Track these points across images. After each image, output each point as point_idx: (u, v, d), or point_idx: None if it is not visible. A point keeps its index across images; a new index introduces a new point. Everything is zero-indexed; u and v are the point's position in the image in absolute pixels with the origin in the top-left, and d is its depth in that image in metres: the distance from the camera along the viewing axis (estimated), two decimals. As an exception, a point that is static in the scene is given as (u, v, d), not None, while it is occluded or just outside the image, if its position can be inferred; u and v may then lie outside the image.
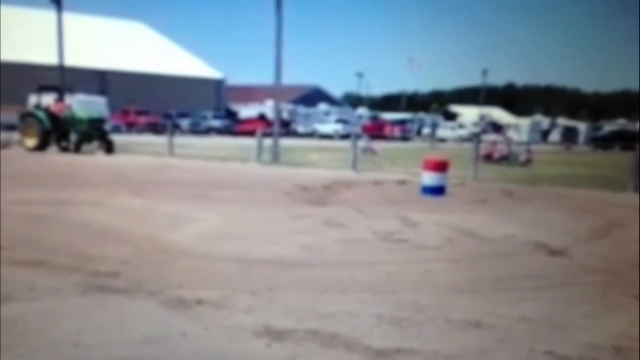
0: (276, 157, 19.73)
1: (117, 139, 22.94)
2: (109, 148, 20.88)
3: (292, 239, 7.16)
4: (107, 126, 24.75)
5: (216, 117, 51.38)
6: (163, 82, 55.54)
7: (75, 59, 48.45)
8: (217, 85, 62.16)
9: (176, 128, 37.71)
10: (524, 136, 48.62)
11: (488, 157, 21.98)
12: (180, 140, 24.93)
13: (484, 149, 22.11)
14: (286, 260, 6.17)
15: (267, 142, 20.11)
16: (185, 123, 47.47)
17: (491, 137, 35.13)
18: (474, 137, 21.14)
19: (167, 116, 46.04)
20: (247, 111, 53.54)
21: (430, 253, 6.71)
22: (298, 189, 12.09)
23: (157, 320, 4.31)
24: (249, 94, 65.03)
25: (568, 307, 4.91)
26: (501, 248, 7.08)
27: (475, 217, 9.26)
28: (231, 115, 55.36)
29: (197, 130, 47.03)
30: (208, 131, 47.71)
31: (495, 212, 9.90)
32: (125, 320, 4.28)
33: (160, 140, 25.02)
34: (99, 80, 51.13)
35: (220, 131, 47.95)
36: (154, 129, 43.01)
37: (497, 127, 53.47)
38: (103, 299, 4.68)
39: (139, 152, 21.72)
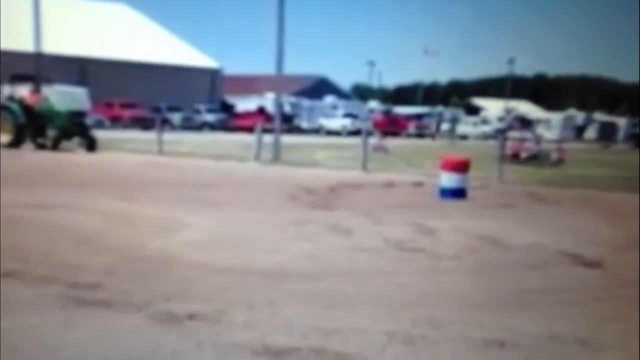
0: (277, 155, 19.79)
1: (99, 135, 23.02)
2: (90, 145, 20.95)
3: (294, 247, 7.19)
4: (89, 121, 24.82)
5: (210, 110, 51.59)
6: (151, 71, 55.66)
7: (53, 45, 48.66)
8: (212, 76, 62.26)
9: (166, 123, 37.80)
10: (555, 133, 48.58)
11: (515, 157, 21.97)
12: (170, 136, 25.02)
13: (510, 147, 22.08)
14: (287, 270, 6.20)
15: (267, 138, 20.17)
16: (176, 117, 47.63)
17: (518, 134, 35.06)
18: (499, 134, 21.13)
19: (156, 110, 46.12)
20: (245, 104, 53.68)
21: (448, 263, 6.72)
22: (301, 191, 12.12)
23: (144, 337, 4.34)
24: (247, 85, 65.05)
25: (603, 325, 4.92)
26: (528, 258, 7.09)
27: (499, 223, 9.27)
28: (227, 108, 55.50)
29: (189, 125, 47.20)
30: (201, 127, 47.88)
31: (522, 218, 9.91)
32: (108, 337, 4.32)
33: (148, 136, 25.12)
34: (79, 69, 51.24)
35: (215, 126, 48.12)
36: (141, 124, 43.13)
37: (525, 123, 53.37)
38: (84, 313, 4.72)
39: (125, 149, 21.81)
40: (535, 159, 22.54)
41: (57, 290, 5.22)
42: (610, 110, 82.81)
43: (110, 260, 6.24)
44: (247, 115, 47.79)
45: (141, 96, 49.38)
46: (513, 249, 7.49)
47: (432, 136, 50.72)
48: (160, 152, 20.83)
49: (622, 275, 6.42)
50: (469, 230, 8.51)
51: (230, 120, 49.38)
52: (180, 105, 50.24)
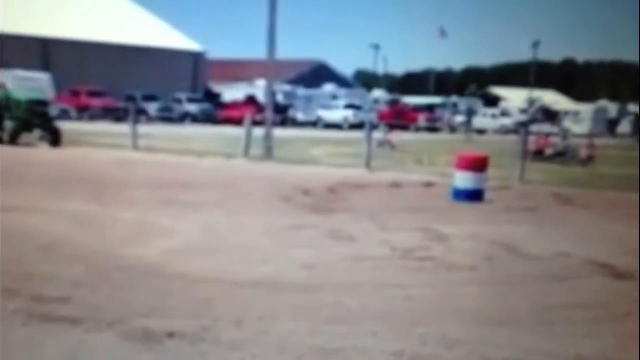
0: (270, 151, 19.82)
1: (65, 127, 23.00)
2: (54, 139, 20.93)
3: (288, 255, 7.22)
4: (53, 111, 24.80)
5: (193, 100, 51.52)
6: (124, 55, 55.48)
7: (11, 24, 48.63)
8: (195, 60, 62.21)
9: (141, 114, 37.77)
10: (585, 127, 48.71)
11: (539, 154, 22.04)
12: (146, 129, 25.02)
13: (533, 142, 22.16)
14: (281, 281, 6.23)
15: (259, 132, 20.20)
16: (153, 108, 47.54)
17: (543, 127, 35.19)
18: (522, 128, 21.20)
19: (130, 99, 46.11)
20: (232, 93, 53.70)
21: (462, 274, 6.76)
22: (297, 191, 12.15)
23: (117, 359, 4.37)
24: (235, 71, 65.13)
25: (634, 344, 4.96)
26: (553, 269, 7.13)
27: (520, 229, 9.32)
28: (212, 98, 55.44)
29: (168, 117, 47.14)
30: (183, 118, 47.85)
31: (546, 224, 9.96)
32: (77, 358, 4.34)
33: (121, 129, 25.11)
34: (41, 52, 51.17)
35: (198, 118, 48.08)
36: (113, 115, 43.08)
37: (550, 115, 53.56)
38: (49, 331, 4.74)
39: (94, 144, 21.82)
40: (562, 156, 22.61)
41: (19, 304, 5.23)
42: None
43: (80, 270, 6.26)
44: (235, 105, 47.77)
45: (112, 83, 49.26)
46: (536, 259, 7.53)
47: (452, 129, 50.81)
48: (135, 147, 20.84)
49: (659, 289, 6.46)
50: (487, 237, 8.55)
51: (215, 112, 49.36)
52: (158, 93, 50.15)
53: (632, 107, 68.58)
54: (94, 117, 43.68)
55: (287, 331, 4.90)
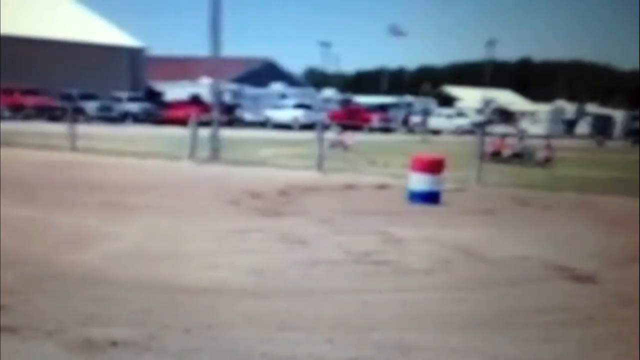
0: (216, 153, 19.72)
1: (-3, 127, 22.56)
2: (-15, 140, 20.55)
3: (237, 260, 7.21)
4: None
5: (133, 99, 50.92)
6: (59, 51, 54.63)
7: None
8: (133, 57, 61.56)
9: (79, 113, 37.18)
10: (542, 127, 49.65)
11: (496, 155, 22.38)
12: (85, 129, 24.65)
13: (490, 144, 22.48)
14: (230, 287, 6.21)
15: (204, 133, 20.07)
16: (91, 107, 46.90)
17: (500, 128, 35.74)
18: (478, 129, 21.52)
19: (66, 97, 45.42)
20: (175, 92, 53.22)
21: (419, 279, 6.84)
22: (245, 194, 12.13)
23: (57, 368, 4.31)
24: (178, 69, 64.63)
25: (596, 350, 5.07)
26: (511, 272, 7.25)
27: (478, 232, 9.45)
28: (154, 97, 54.91)
29: (107, 116, 46.55)
30: (123, 118, 47.28)
31: (504, 226, 10.12)
32: (13, 369, 4.27)
33: (58, 129, 24.71)
34: (-35, 48, 50.06)
35: (139, 118, 47.56)
36: (49, 114, 42.38)
37: (507, 116, 54.40)
38: (-17, 341, 4.65)
39: (28, 145, 21.41)
40: (519, 157, 23.00)
41: (-52, 314, 5.12)
42: (606, 102, 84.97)
43: (14, 278, 6.15)
44: (178, 105, 47.34)
45: (47, 81, 48.46)
46: (494, 262, 7.65)
47: (410, 130, 51.21)
48: (73, 148, 20.55)
49: (619, 292, 6.62)
50: (444, 241, 8.65)
51: (158, 111, 48.90)
52: (96, 92, 49.56)
53: (590, 108, 70.13)
54: (28, 117, 42.84)
55: (238, 339, 4.89)
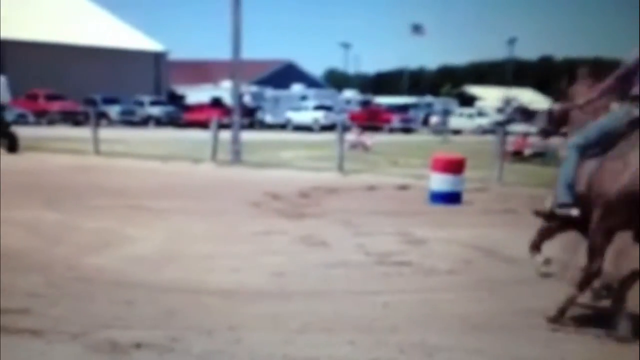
0: (237, 155, 19.79)
1: (22, 132, 22.77)
2: (11, 145, 20.71)
3: (260, 263, 7.22)
4: (8, 115, 24.56)
5: (156, 103, 51.27)
6: (83, 56, 55.06)
7: (-38, 23, 47.90)
8: (156, 61, 61.95)
9: (102, 117, 37.49)
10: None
11: (517, 154, 22.26)
12: (108, 133, 24.86)
13: (511, 143, 22.37)
14: (252, 290, 6.23)
15: (225, 135, 20.15)
16: (114, 111, 47.31)
17: (521, 127, 35.44)
18: (499, 128, 21.38)
19: (90, 102, 45.76)
20: (197, 95, 53.48)
21: (440, 279, 6.82)
22: (267, 196, 12.15)
23: (82, 371, 4.34)
24: (200, 72, 64.92)
25: (620, 349, 5.03)
26: (533, 273, 7.20)
27: (499, 232, 9.40)
28: (176, 100, 55.22)
29: (130, 120, 46.89)
30: (146, 121, 47.59)
31: (526, 226, 9.99)
32: (39, 371, 4.30)
33: (82, 133, 24.92)
34: (-6, 54, 50.59)
35: (161, 121, 47.85)
36: (73, 118, 42.75)
37: (528, 115, 53.90)
38: (9, 344, 4.69)
39: (53, 149, 21.61)
40: (541, 156, 22.81)
41: (-25, 317, 5.18)
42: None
43: (39, 280, 6.21)
44: (200, 108, 47.60)
45: (71, 86, 48.88)
46: (516, 262, 7.59)
47: (438, 132, 51.06)
48: (96, 152, 20.71)
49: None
50: (465, 241, 8.62)
51: (179, 114, 49.16)
52: (119, 96, 49.89)
53: (614, 106, 69.27)
54: (52, 122, 43.25)
55: (259, 341, 4.90)
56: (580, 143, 5.41)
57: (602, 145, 5.28)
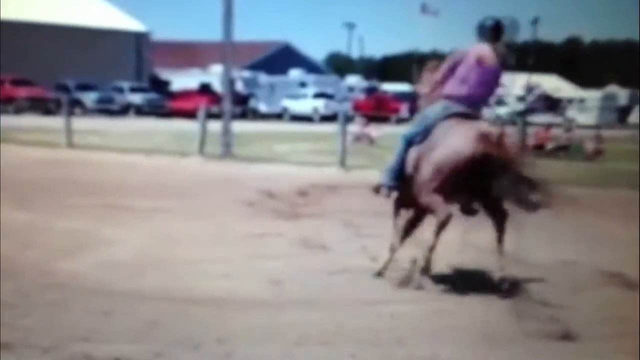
0: (228, 148, 19.80)
1: (-14, 122, 22.77)
2: (-26, 136, 20.73)
3: (253, 268, 7.25)
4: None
5: (136, 89, 51.20)
6: (53, 36, 54.68)
7: None
8: (137, 42, 61.77)
9: (76, 105, 37.46)
10: (591, 116, 49.27)
11: (539, 147, 22.29)
12: (82, 123, 24.86)
13: (532, 135, 22.40)
14: (245, 298, 6.26)
15: (215, 126, 20.15)
16: (89, 98, 47.23)
17: (544, 117, 35.53)
18: (519, 118, 21.41)
19: (62, 88, 45.74)
20: (183, 81, 53.43)
21: (454, 287, 6.84)
22: (261, 194, 12.16)
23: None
24: (187, 55, 64.82)
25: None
26: (556, 277, 7.23)
27: (519, 233, 9.40)
28: (160, 86, 55.17)
29: (108, 109, 46.84)
30: (125, 110, 47.57)
31: (548, 227, 10.06)
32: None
33: (53, 123, 24.89)
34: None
35: (143, 110, 47.79)
36: (43, 107, 42.68)
37: (552, 103, 54.03)
38: (-26, 358, 4.72)
39: (21, 141, 21.57)
40: (565, 150, 22.88)
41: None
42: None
43: (8, 288, 6.21)
44: (186, 95, 47.59)
45: (41, 70, 48.65)
46: (536, 268, 7.62)
47: None
48: (70, 144, 20.69)
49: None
50: (480, 244, 8.60)
51: (163, 102, 49.14)
52: (95, 82, 49.73)
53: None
54: (20, 110, 43.17)
55: (252, 355, 4.93)
56: (406, 134, 7.00)
57: (423, 135, 6.76)
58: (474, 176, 6.47)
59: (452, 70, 6.90)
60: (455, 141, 6.49)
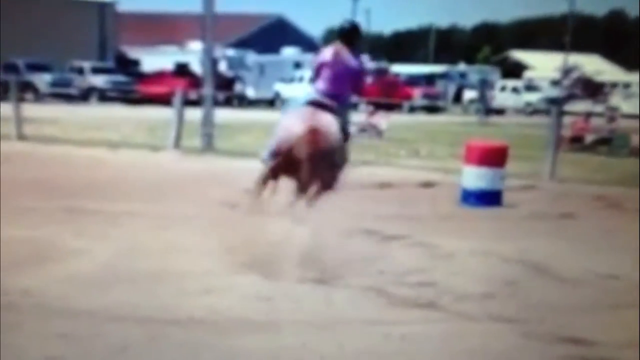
0: (209, 141, 19.77)
1: None
2: None
3: (239, 282, 7.28)
4: None
5: (100, 70, 51.00)
6: None
7: None
8: (101, 14, 61.53)
9: (27, 89, 37.40)
10: (638, 104, 49.22)
11: (577, 141, 22.34)
12: (35, 110, 24.80)
13: (569, 126, 22.43)
14: (230, 318, 6.29)
15: (194, 115, 20.14)
16: (43, 81, 46.98)
17: (583, 105, 35.55)
18: (553, 107, 21.44)
19: (10, 68, 45.47)
20: (156, 60, 53.33)
21: (474, 306, 6.88)
22: (248, 195, 12.15)
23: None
24: (160, 30, 64.81)
25: None
26: (596, 295, 7.27)
27: (552, 243, 9.45)
28: (128, 66, 55.01)
29: (65, 93, 46.70)
30: (86, 95, 47.44)
31: (586, 236, 10.11)
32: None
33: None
34: None
35: (108, 95, 47.68)
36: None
37: (592, 89, 53.94)
38: None
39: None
40: (608, 144, 22.89)
41: None
42: None
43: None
44: (160, 77, 47.48)
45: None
46: (572, 283, 7.67)
47: (468, 109, 50.89)
48: (21, 136, 20.59)
49: None
50: (507, 255, 8.67)
51: (132, 86, 48.99)
52: (50, 61, 49.49)
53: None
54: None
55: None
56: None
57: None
58: (291, 157, 8.29)
59: (320, 67, 8.71)
60: (286, 122, 8.62)
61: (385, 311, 6.67)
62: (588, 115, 25.90)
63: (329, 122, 8.33)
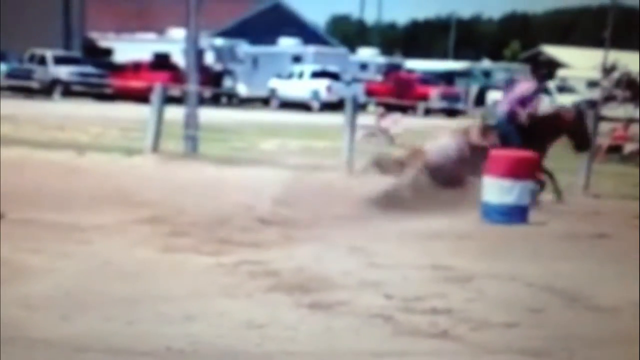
0: (193, 144, 19.78)
1: None
2: None
3: (226, 309, 7.32)
4: None
5: (64, 60, 50.78)
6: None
7: None
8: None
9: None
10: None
11: (615, 150, 22.34)
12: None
13: (607, 134, 22.44)
14: (214, 349, 6.32)
15: (176, 114, 20.15)
16: (-2, 72, 47.01)
17: (624, 110, 35.45)
18: (590, 111, 21.48)
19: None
20: (131, 49, 53.30)
21: (495, 336, 6.94)
22: (238, 208, 12.17)
23: None
24: (136, 15, 64.81)
25: None
26: (633, 326, 7.31)
27: (584, 266, 9.49)
28: (98, 57, 54.93)
29: (24, 86, 46.67)
30: (49, 89, 47.34)
31: (623, 258, 10.14)
32: None
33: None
34: None
35: (74, 89, 47.52)
36: None
37: (635, 91, 53.82)
38: None
39: None
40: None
41: None
42: None
43: None
44: (135, 69, 47.55)
45: None
46: (607, 312, 7.71)
47: (468, 112, 50.93)
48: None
49: None
50: (532, 279, 8.70)
51: (103, 79, 48.83)
52: (5, 49, 49.34)
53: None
54: None
55: None
56: None
57: None
58: None
59: None
60: None
61: (392, 341, 6.72)
62: (629, 121, 25.85)
63: None
